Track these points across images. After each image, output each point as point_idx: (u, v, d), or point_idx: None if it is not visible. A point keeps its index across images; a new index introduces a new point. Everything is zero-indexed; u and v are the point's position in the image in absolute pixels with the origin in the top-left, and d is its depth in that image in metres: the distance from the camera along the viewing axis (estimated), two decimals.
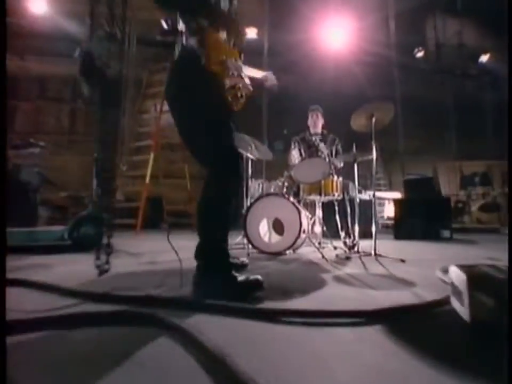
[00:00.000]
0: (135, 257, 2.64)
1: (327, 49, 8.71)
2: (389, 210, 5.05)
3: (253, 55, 8.57)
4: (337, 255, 2.59)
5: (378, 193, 5.77)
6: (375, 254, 2.47)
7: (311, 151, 2.49)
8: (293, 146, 3.38)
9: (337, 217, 3.04)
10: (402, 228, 4.53)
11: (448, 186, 8.36)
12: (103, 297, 1.25)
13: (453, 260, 2.47)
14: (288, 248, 2.41)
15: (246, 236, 2.52)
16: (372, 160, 2.69)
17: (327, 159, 2.46)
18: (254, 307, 1.13)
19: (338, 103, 6.77)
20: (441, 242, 3.99)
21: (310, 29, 8.46)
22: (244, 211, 2.62)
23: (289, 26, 8.80)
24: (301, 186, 2.75)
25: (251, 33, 7.98)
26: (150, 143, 5.56)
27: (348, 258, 2.45)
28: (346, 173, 3.06)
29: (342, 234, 2.94)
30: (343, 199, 2.96)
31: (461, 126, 8.50)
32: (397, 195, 5.27)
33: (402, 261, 2.30)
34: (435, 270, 1.74)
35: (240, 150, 3.01)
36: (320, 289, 1.49)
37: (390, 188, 7.99)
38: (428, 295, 1.35)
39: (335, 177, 2.74)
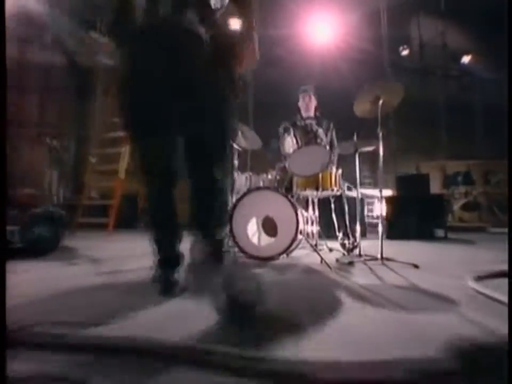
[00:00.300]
0: (97, 264, 2.13)
1: (313, 44, 8.41)
2: (379, 209, 4.75)
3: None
4: (337, 260, 2.19)
5: (369, 191, 5.46)
6: (382, 258, 2.10)
7: (308, 137, 2.09)
8: (281, 132, 2.96)
9: (333, 215, 2.65)
10: (395, 227, 4.21)
11: (431, 185, 8.20)
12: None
13: (468, 264, 2.13)
14: (283, 252, 1.98)
15: (232, 237, 2.08)
16: (373, 151, 2.34)
17: (327, 148, 2.07)
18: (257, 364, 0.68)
19: (325, 99, 6.46)
20: (436, 242, 3.69)
21: (295, 24, 8.13)
22: (229, 209, 2.17)
23: (275, 21, 8.42)
24: (294, 180, 2.33)
25: (235, 24, 7.52)
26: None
27: (350, 263, 2.06)
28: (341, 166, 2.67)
29: (340, 235, 2.55)
30: (341, 195, 2.57)
31: (444, 126, 8.40)
32: (388, 192, 4.97)
33: (416, 266, 1.93)
34: (456, 277, 1.48)
35: None
36: (340, 315, 1.06)
37: (375, 185, 7.75)
38: (482, 319, 0.97)
39: (334, 169, 2.34)
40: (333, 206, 2.63)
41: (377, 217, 6.01)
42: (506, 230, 6.24)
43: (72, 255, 2.49)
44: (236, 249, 2.09)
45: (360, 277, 1.67)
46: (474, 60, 8.36)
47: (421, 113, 8.60)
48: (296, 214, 1.96)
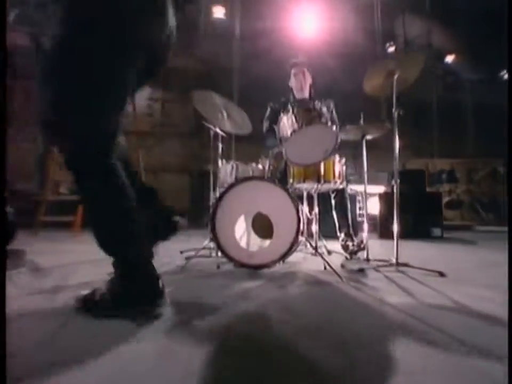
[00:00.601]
0: (41, 275, 1.63)
1: (299, 37, 8.05)
2: (370, 206, 4.45)
3: (223, 37, 7.65)
4: (343, 266, 1.78)
5: (358, 187, 5.11)
6: (398, 263, 1.71)
7: (311, 116, 1.67)
8: (268, 114, 2.53)
9: (333, 212, 2.24)
10: (389, 226, 3.88)
11: None
12: None
13: (492, 269, 1.79)
14: (280, 259, 1.55)
15: (215, 240, 1.63)
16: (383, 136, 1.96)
17: (335, 129, 1.65)
18: None
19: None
20: (435, 242, 3.39)
21: (282, 17, 7.75)
22: (211, 204, 1.71)
23: (260, 13, 8.01)
24: (290, 170, 1.90)
25: (218, 12, 7.04)
26: None
27: (361, 270, 1.66)
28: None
29: (341, 235, 2.15)
30: (343, 189, 2.17)
31: (428, 125, 8.26)
32: (381, 189, 4.64)
33: (441, 274, 1.55)
34: (498, 289, 1.19)
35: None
36: (388, 360, 0.64)
37: (360, 182, 7.49)
38: None
39: (337, 157, 1.94)
40: (333, 201, 2.22)
41: (361, 216, 5.72)
42: (491, 228, 6.13)
43: (16, 262, 1.95)
44: (220, 255, 1.64)
45: (383, 291, 1.26)
46: (458, 60, 8.27)
47: (406, 112, 8.44)
48: (298, 211, 1.53)
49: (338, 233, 2.20)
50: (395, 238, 1.76)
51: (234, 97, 7.36)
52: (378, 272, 1.63)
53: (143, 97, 6.97)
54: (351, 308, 1.08)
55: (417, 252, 2.58)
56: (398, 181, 1.88)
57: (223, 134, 2.28)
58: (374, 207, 4.22)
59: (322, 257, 1.63)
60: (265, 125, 2.52)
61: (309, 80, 2.45)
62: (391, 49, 7.89)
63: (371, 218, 3.98)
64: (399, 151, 1.90)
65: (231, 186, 1.67)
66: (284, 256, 1.54)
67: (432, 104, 8.16)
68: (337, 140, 1.64)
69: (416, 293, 1.23)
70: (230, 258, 1.58)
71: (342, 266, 1.76)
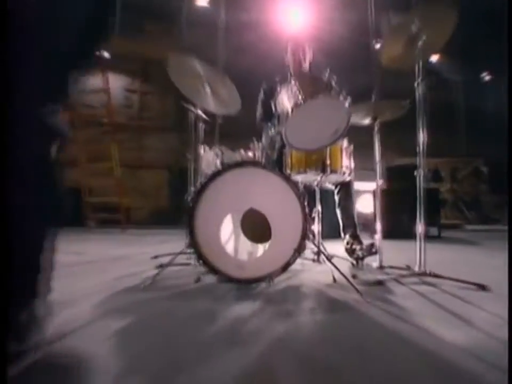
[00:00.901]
0: None
1: (286, 31, 7.69)
2: (361, 205, 4.16)
3: (207, 27, 7.17)
4: (354, 276, 1.41)
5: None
6: (426, 273, 1.35)
7: (318, 87, 1.29)
8: (261, 98, 2.11)
9: (337, 210, 1.87)
10: (383, 225, 3.58)
11: None
12: None
13: None
14: (282, 271, 1.14)
15: (194, 246, 1.21)
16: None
17: (347, 104, 1.27)
18: None
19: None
20: (435, 243, 3.10)
21: (267, 9, 7.39)
22: (188, 198, 1.29)
23: (246, 4, 7.61)
24: (288, 157, 1.52)
25: (201, 0, 6.58)
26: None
27: (380, 283, 1.29)
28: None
29: (346, 237, 1.78)
30: (350, 182, 1.81)
31: (413, 124, 8.13)
32: (373, 186, 4.35)
33: (483, 287, 1.21)
34: None
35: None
36: None
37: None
38: None
39: (345, 143, 1.57)
40: (336, 197, 1.85)
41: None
42: (478, 227, 6.01)
43: None
44: (200, 265, 1.22)
45: (425, 316, 0.89)
46: (442, 60, 8.19)
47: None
48: (303, 207, 1.14)
49: (342, 235, 1.83)
50: (418, 240, 1.40)
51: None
52: (402, 285, 1.27)
53: (120, 87, 6.41)
54: (391, 349, 0.70)
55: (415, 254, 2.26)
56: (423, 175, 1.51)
57: (206, 118, 1.86)
58: (367, 205, 3.93)
59: (337, 268, 1.24)
60: (259, 111, 2.08)
61: (309, 56, 2.05)
62: (378, 45, 7.70)
63: (360, 217, 3.68)
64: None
65: (215, 175, 1.26)
66: (285, 268, 1.14)
67: (415, 103, 8.04)
68: (349, 119, 1.27)
69: (473, 319, 0.87)
70: (214, 270, 1.17)
71: (354, 276, 1.38)
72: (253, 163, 1.28)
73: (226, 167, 1.23)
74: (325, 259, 1.36)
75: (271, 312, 0.93)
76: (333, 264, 1.24)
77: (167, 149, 6.18)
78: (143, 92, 6.53)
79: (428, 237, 3.56)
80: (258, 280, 1.15)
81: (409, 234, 3.29)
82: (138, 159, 6.06)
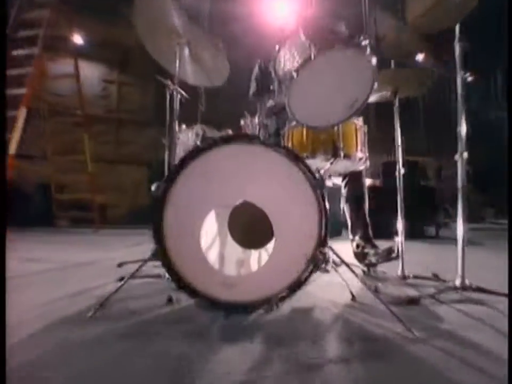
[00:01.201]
0: None
1: (273, 25, 7.32)
2: None
3: (189, 15, 6.73)
4: (376, 289, 1.08)
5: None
6: (467, 287, 1.03)
7: (330, 40, 0.96)
8: (256, 74, 1.75)
9: (344, 206, 1.54)
10: (377, 223, 3.31)
11: None
12: None
13: None
14: (289, 292, 0.78)
15: (162, 254, 0.84)
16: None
17: (373, 62, 0.95)
18: None
19: None
20: (435, 243, 2.86)
21: (255, 3, 7.04)
22: (155, 188, 0.91)
23: None
24: (288, 137, 1.18)
25: None
26: (22, 92, 3.20)
27: (413, 302, 0.96)
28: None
29: (356, 239, 1.45)
30: (361, 172, 1.48)
31: (400, 122, 8.03)
32: (368, 181, 4.08)
33: None
34: None
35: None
36: None
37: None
38: None
39: (359, 122, 1.24)
40: (343, 190, 1.52)
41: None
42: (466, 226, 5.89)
43: None
44: (170, 280, 0.85)
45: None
46: (427, 59, 8.11)
47: (376, 108, 8.15)
48: (320, 202, 0.79)
49: (351, 236, 1.49)
50: (459, 245, 1.08)
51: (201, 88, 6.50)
52: (442, 304, 0.95)
53: (96, 77, 5.86)
54: None
55: (425, 257, 1.99)
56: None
57: (184, 94, 1.48)
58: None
59: (364, 284, 0.90)
60: (252, 86, 1.72)
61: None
62: (365, 42, 7.52)
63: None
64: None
65: (192, 155, 0.89)
66: (294, 287, 0.79)
67: (402, 102, 7.94)
68: (375, 82, 0.93)
69: None
70: (190, 290, 0.80)
71: (376, 290, 1.05)
72: (248, 137, 0.90)
73: (210, 143, 0.86)
74: (339, 268, 1.02)
75: (280, 364, 0.58)
76: (356, 274, 0.89)
77: (147, 143, 5.69)
78: (122, 82, 6.02)
79: (425, 237, 3.31)
80: (253, 305, 0.79)
81: (405, 234, 3.03)
82: (116, 154, 5.55)
